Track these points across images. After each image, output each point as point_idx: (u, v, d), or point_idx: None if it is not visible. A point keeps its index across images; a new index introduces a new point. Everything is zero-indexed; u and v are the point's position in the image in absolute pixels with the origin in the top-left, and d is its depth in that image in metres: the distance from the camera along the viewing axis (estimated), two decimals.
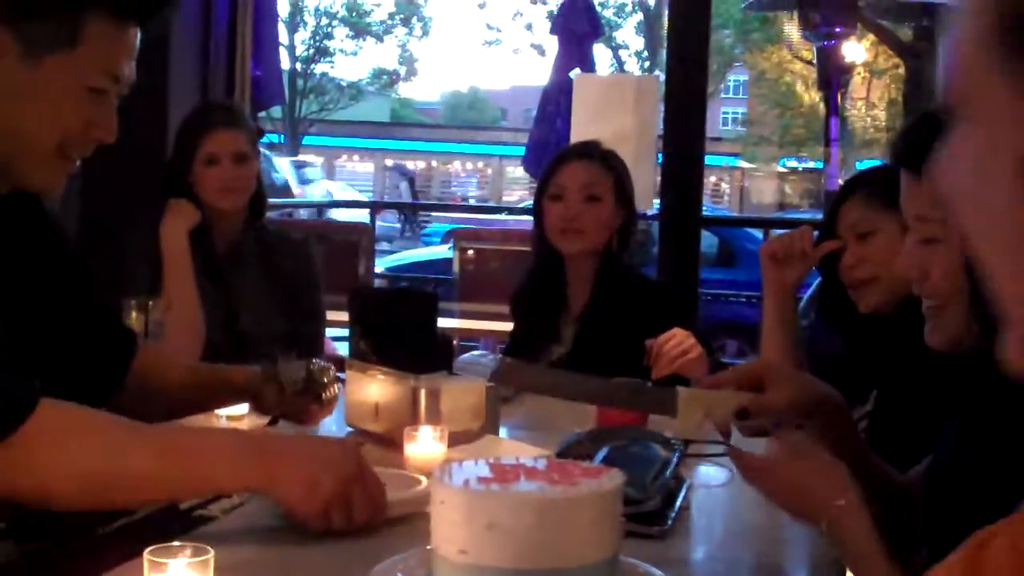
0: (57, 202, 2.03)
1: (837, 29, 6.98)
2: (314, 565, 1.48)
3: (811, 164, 28.30)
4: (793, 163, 29.79)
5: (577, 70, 6.23)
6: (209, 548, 1.24)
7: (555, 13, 7.86)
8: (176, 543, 1.26)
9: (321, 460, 1.54)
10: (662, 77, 5.72)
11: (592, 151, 2.98)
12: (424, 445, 1.89)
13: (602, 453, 1.71)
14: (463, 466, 1.26)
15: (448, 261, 10.28)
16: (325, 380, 2.19)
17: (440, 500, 1.22)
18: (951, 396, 1.55)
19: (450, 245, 13.13)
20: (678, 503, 1.69)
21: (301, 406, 2.17)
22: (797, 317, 2.53)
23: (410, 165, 33.44)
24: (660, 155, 5.23)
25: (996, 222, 0.59)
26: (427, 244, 17.66)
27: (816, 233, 2.41)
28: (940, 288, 1.50)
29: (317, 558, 1.49)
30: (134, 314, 2.60)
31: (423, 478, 1.68)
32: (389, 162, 32.76)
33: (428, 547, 1.27)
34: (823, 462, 1.42)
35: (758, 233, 9.38)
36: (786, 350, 2.45)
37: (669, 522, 1.62)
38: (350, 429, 2.24)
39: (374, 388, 2.16)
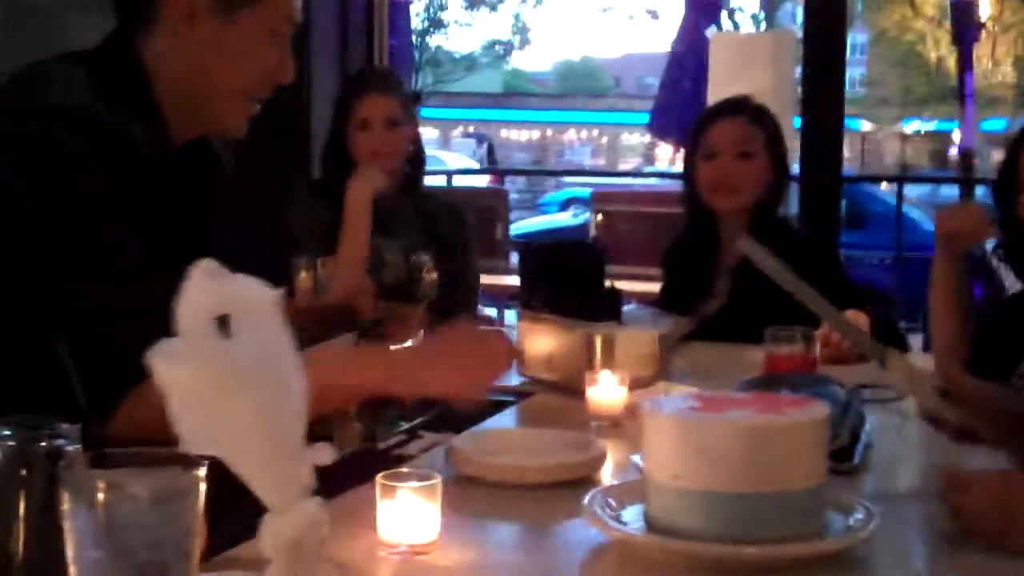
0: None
1: None
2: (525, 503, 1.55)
3: (933, 125, 27.66)
4: (916, 124, 29.15)
5: (713, 28, 6.21)
6: (436, 474, 1.32)
7: None
8: (404, 469, 1.34)
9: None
10: (796, 34, 5.68)
11: (743, 107, 2.99)
12: (606, 389, 1.96)
13: (785, 393, 1.75)
14: (672, 397, 1.33)
15: (571, 227, 10.39)
16: (425, 277, 2.21)
17: (654, 429, 1.28)
18: None
19: (571, 212, 13.22)
20: (863, 440, 1.73)
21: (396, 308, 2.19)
22: (969, 285, 2.46)
23: (524, 136, 33.50)
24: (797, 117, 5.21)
25: None
26: (545, 212, 17.70)
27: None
28: None
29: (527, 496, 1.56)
30: (303, 273, 2.70)
31: (594, 439, 1.74)
32: (504, 133, 32.85)
33: (634, 479, 1.34)
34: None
35: (887, 196, 9.26)
36: (957, 319, 2.40)
37: (858, 458, 1.66)
38: (524, 378, 2.32)
39: (547, 338, 2.23)
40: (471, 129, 33.24)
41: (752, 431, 1.24)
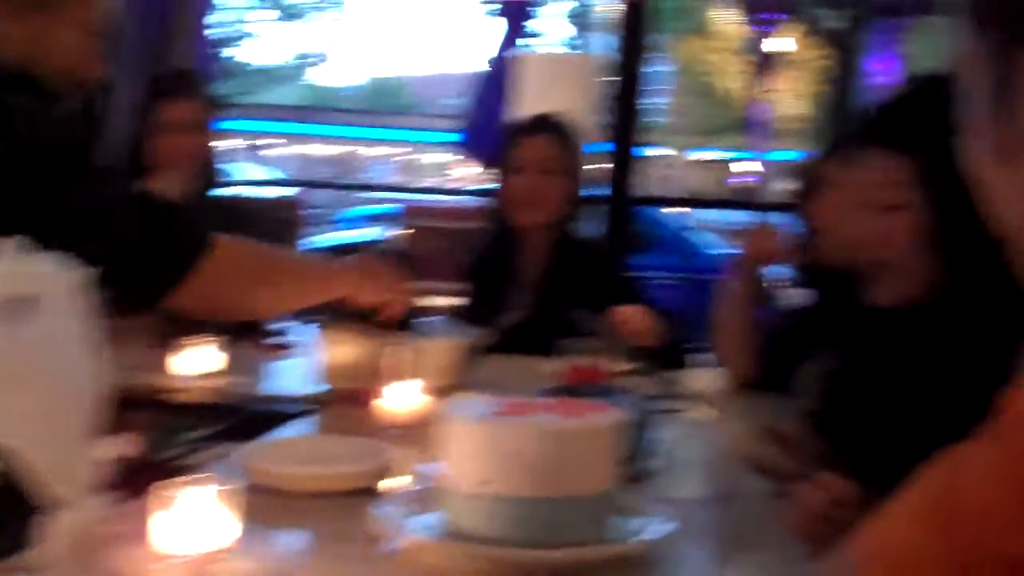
0: None
1: (772, 16, 7.10)
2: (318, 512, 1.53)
3: (728, 153, 28.63)
4: (712, 152, 30.11)
5: (519, 49, 6.28)
6: (219, 482, 1.27)
7: None
8: (184, 478, 1.28)
9: None
10: (600, 58, 5.80)
11: (548, 125, 3.04)
12: (404, 398, 1.94)
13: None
14: (475, 403, 1.33)
15: (373, 243, 10.30)
16: None
17: (458, 434, 1.27)
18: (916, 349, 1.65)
19: (375, 227, 13.11)
20: (652, 450, 1.76)
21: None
22: (756, 304, 2.58)
23: (330, 150, 33.18)
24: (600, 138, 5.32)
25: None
26: (347, 228, 17.54)
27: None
28: (901, 249, 1.61)
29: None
30: None
31: (388, 446, 1.73)
32: (309, 147, 32.52)
33: (429, 486, 1.32)
34: None
35: (677, 219, 9.54)
36: (747, 336, 2.51)
37: (647, 467, 1.69)
38: (322, 388, 2.29)
39: (350, 347, 2.21)
40: (276, 142, 32.77)
41: (561, 433, 1.25)
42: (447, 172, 28.88)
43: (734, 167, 23.60)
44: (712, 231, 11.82)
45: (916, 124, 1.56)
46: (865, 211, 1.67)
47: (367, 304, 2.14)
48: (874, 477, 1.44)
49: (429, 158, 32.24)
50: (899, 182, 1.60)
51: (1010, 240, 0.64)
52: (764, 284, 2.62)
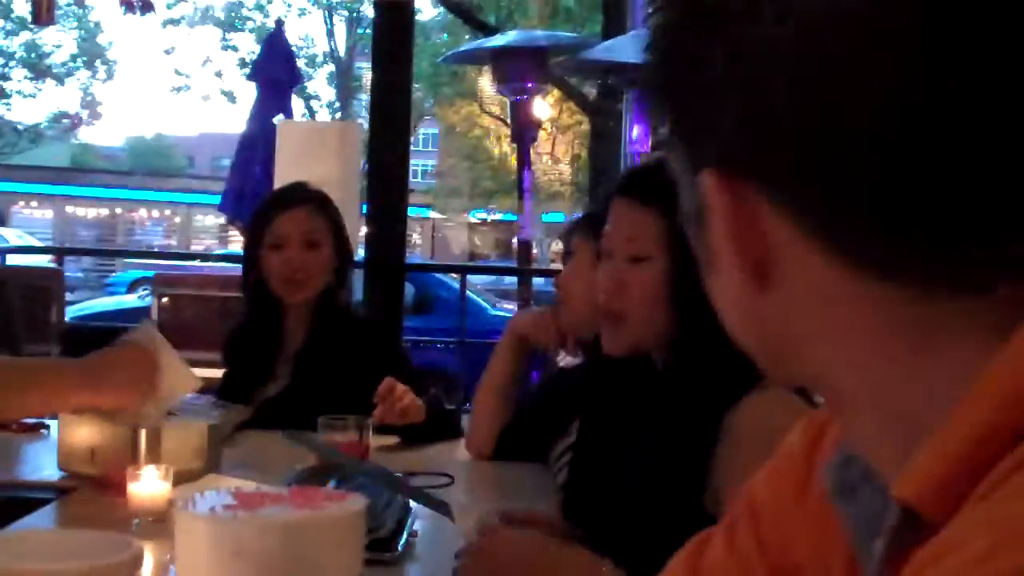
0: None
1: (529, 85, 7.28)
2: None
3: (499, 216, 29.12)
4: (483, 214, 30.55)
5: (281, 116, 6.24)
6: None
7: (253, 60, 7.81)
8: None
9: None
10: (363, 125, 5.82)
11: (307, 195, 2.99)
12: (148, 484, 1.87)
13: (331, 485, 1.75)
14: (206, 495, 1.28)
15: (136, 310, 10.04)
16: None
17: (186, 529, 1.23)
18: (644, 413, 1.69)
19: (138, 293, 12.79)
20: (407, 529, 1.74)
21: None
22: (522, 376, 2.63)
23: (93, 213, 32.15)
24: (364, 204, 5.32)
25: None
26: (112, 294, 17.05)
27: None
28: (635, 300, 1.66)
29: None
30: None
31: (133, 539, 1.66)
32: (70, 209, 31.44)
33: None
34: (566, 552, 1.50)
35: (453, 282, 9.61)
36: (506, 392, 2.55)
37: (400, 548, 1.67)
38: (64, 473, 2.18)
39: (90, 430, 2.11)
40: (34, 203, 31.56)
41: (288, 527, 1.21)
42: (225, 235, 28.38)
43: (513, 228, 24.07)
44: (490, 294, 11.98)
45: (665, 183, 1.60)
46: (607, 261, 1.70)
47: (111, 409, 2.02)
48: (621, 556, 1.47)
49: (203, 220, 31.60)
50: (642, 236, 1.65)
51: (731, 335, 0.67)
52: (543, 353, 2.68)
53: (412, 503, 1.86)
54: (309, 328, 2.90)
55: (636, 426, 1.73)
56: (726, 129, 0.58)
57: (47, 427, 2.70)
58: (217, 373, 3.16)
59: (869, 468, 0.66)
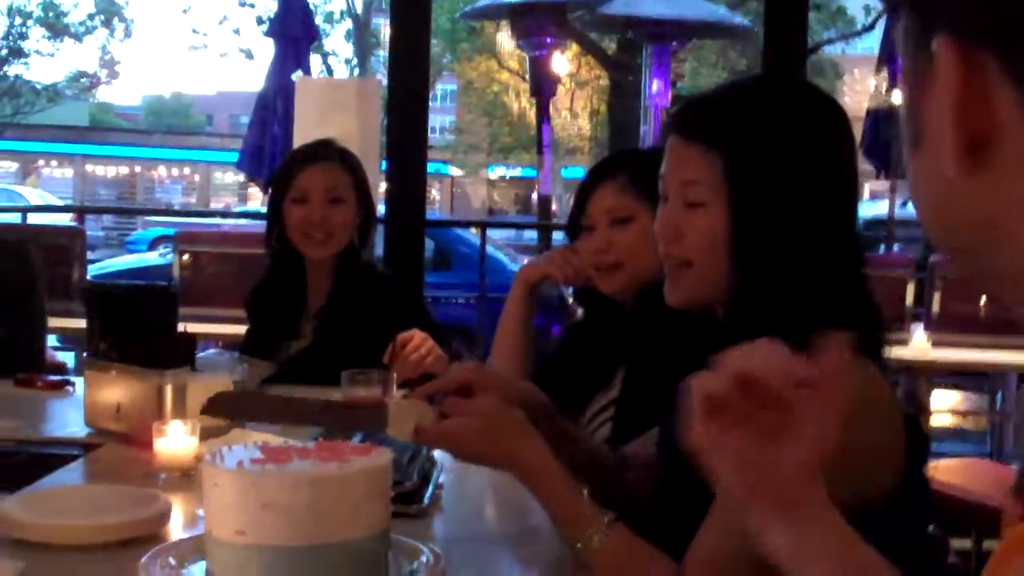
0: None
1: (548, 40, 7.25)
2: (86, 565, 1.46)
3: (518, 171, 29.05)
4: (501, 170, 30.49)
5: (299, 73, 6.21)
6: None
7: (271, 17, 7.79)
8: None
9: None
10: (382, 81, 5.79)
11: (331, 152, 2.98)
12: (175, 440, 1.88)
13: (356, 439, 1.75)
14: (234, 449, 1.29)
15: (157, 267, 10.08)
16: None
17: (214, 483, 1.24)
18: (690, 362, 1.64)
19: (159, 251, 12.83)
20: (433, 483, 1.75)
21: None
22: (533, 321, 2.61)
23: (112, 172, 32.24)
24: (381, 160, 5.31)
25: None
26: (132, 252, 17.11)
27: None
28: (695, 247, 1.53)
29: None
30: None
31: (160, 493, 1.68)
32: (90, 168, 31.53)
33: (199, 534, 1.28)
34: (496, 424, 1.52)
35: (472, 238, 9.60)
36: (521, 342, 2.54)
37: (427, 500, 1.68)
38: (90, 429, 2.20)
39: (116, 386, 2.13)
40: (54, 163, 31.66)
41: (315, 480, 1.22)
42: (244, 192, 28.40)
43: (532, 184, 23.99)
44: (509, 248, 11.96)
45: (724, 119, 1.52)
46: (663, 205, 1.58)
47: None
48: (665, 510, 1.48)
49: (222, 178, 31.63)
50: (698, 179, 1.52)
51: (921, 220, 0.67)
52: (558, 301, 2.64)
53: (435, 455, 1.87)
54: (332, 284, 2.90)
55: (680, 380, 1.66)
56: None
57: (72, 384, 2.72)
58: (240, 329, 3.17)
59: None
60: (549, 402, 1.75)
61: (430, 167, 5.20)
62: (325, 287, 2.91)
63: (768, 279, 1.45)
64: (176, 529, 1.62)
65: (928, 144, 0.62)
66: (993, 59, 0.57)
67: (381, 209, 5.04)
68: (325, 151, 2.99)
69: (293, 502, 1.20)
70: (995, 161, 0.58)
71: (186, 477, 1.87)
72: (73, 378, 2.81)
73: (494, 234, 11.82)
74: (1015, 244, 0.59)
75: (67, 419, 2.38)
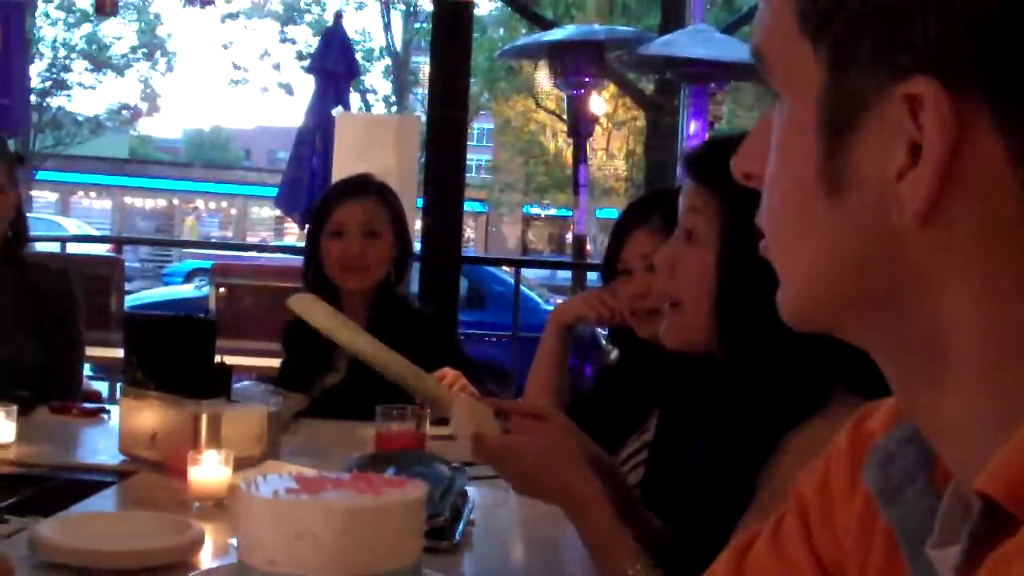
0: None
1: (587, 80, 7.30)
2: None
3: (553, 211, 29.10)
4: (537, 209, 30.55)
5: (340, 108, 6.27)
6: None
7: (311, 53, 7.86)
8: None
9: None
10: (421, 118, 5.84)
11: (369, 187, 3.01)
12: (209, 469, 1.89)
13: (390, 472, 1.75)
14: (269, 479, 1.29)
15: (193, 299, 10.15)
16: None
17: (248, 511, 1.24)
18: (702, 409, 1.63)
19: (195, 284, 12.92)
20: (464, 518, 1.75)
21: None
22: (567, 362, 2.61)
23: (150, 204, 32.53)
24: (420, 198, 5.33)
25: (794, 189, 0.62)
26: (168, 284, 17.23)
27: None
28: (684, 285, 1.54)
29: None
30: None
31: (193, 522, 1.68)
32: (128, 200, 31.84)
33: (232, 563, 1.28)
34: (560, 449, 1.51)
35: (507, 276, 9.62)
36: (555, 382, 2.54)
37: (458, 536, 1.68)
38: (124, 457, 2.21)
39: (152, 414, 2.14)
40: (93, 194, 31.99)
41: (349, 512, 1.22)
42: (280, 227, 28.58)
43: (567, 224, 24.03)
44: (543, 288, 11.97)
45: (723, 163, 1.52)
46: (668, 239, 1.59)
47: None
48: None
49: (259, 212, 31.84)
50: (699, 211, 1.53)
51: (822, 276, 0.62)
52: (590, 340, 2.63)
53: (468, 490, 1.86)
54: (367, 318, 2.91)
55: (702, 423, 1.67)
56: (955, 30, 0.53)
57: (107, 412, 2.74)
58: (274, 362, 3.18)
59: (914, 467, 0.64)
60: (610, 461, 1.75)
61: (466, 205, 5.23)
62: (361, 321, 2.91)
63: (749, 325, 1.43)
64: (208, 558, 1.62)
65: (859, 193, 0.56)
66: (985, 110, 0.52)
67: (417, 246, 5.07)
68: (363, 186, 3.02)
69: (327, 533, 1.20)
70: (950, 217, 0.54)
71: (219, 506, 1.87)
72: (108, 406, 2.83)
73: (528, 274, 11.84)
74: (944, 298, 0.55)
75: (101, 447, 2.40)
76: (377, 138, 5.18)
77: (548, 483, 1.50)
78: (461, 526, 1.72)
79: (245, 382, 2.69)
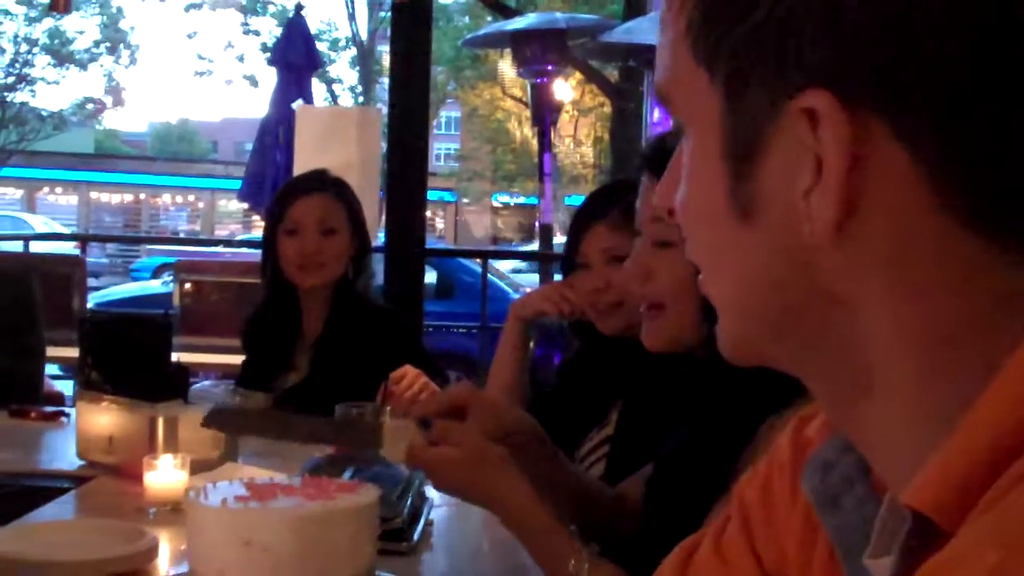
0: None
1: (549, 67, 7.27)
2: None
3: (522, 199, 29.07)
4: (505, 198, 30.53)
5: (300, 101, 6.22)
6: None
7: (273, 45, 7.81)
8: None
9: None
10: (383, 110, 5.80)
11: (325, 183, 2.98)
12: (165, 474, 1.87)
13: (347, 474, 1.74)
14: (219, 486, 1.28)
15: (160, 296, 10.08)
16: None
17: (197, 520, 1.23)
18: (681, 400, 1.63)
19: (163, 279, 12.85)
20: (423, 520, 1.74)
21: None
22: (529, 347, 2.60)
23: (117, 199, 32.30)
24: (382, 189, 5.31)
25: (707, 220, 0.62)
26: (136, 279, 17.13)
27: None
28: (665, 289, 1.54)
29: None
30: None
31: (147, 529, 1.66)
32: (95, 195, 31.61)
33: (185, 571, 1.27)
34: (483, 459, 1.49)
35: (475, 266, 9.61)
36: (515, 377, 2.53)
37: (416, 537, 1.67)
38: (82, 462, 2.19)
39: (107, 418, 2.12)
40: (59, 190, 31.74)
41: (299, 519, 1.21)
42: (249, 220, 28.45)
43: (535, 213, 24.06)
44: (513, 278, 11.96)
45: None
46: (637, 243, 1.58)
47: None
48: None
49: (227, 206, 31.66)
50: (666, 218, 1.51)
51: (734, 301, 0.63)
52: (558, 330, 2.61)
53: (427, 491, 1.85)
54: (326, 316, 2.89)
55: (675, 417, 1.66)
56: (844, 42, 0.52)
57: (67, 415, 2.71)
58: (240, 359, 3.16)
59: (852, 474, 0.64)
60: (541, 429, 1.74)
61: (434, 195, 5.21)
62: (320, 318, 2.90)
63: None
64: (164, 565, 1.61)
65: (770, 214, 0.56)
66: (883, 120, 0.52)
67: (381, 238, 5.05)
68: (318, 182, 2.99)
69: (276, 541, 1.19)
70: (861, 231, 0.53)
71: (176, 511, 1.85)
72: (69, 409, 2.80)
73: (498, 262, 11.81)
74: (859, 317, 0.55)
75: (60, 451, 2.37)
76: (338, 131, 5.14)
77: (477, 493, 1.50)
78: (420, 527, 1.71)
79: (205, 382, 2.68)
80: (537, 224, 9.78)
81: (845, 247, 0.54)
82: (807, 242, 0.55)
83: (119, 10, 29.15)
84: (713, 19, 0.57)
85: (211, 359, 4.54)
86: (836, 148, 0.52)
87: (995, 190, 0.51)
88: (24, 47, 27.04)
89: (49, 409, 2.78)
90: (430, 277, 9.47)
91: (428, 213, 5.86)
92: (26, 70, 27.09)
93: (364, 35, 27.23)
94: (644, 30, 6.79)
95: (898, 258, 0.53)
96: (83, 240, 11.83)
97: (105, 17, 28.80)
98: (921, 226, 0.52)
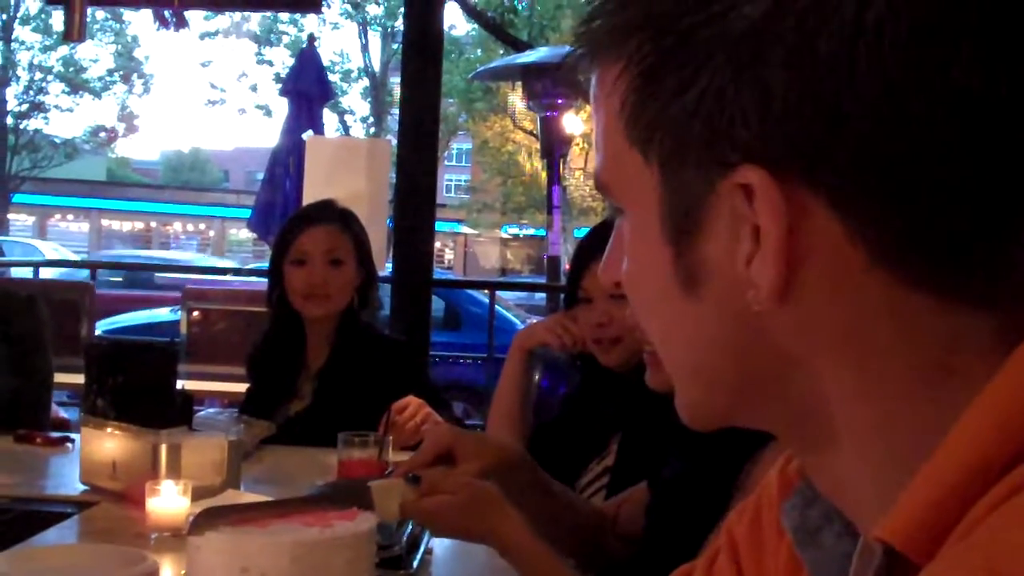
0: None
1: (559, 101, 7.32)
2: None
3: (532, 231, 29.11)
4: (515, 230, 30.58)
5: (310, 132, 6.26)
6: None
7: (285, 75, 7.86)
8: None
9: None
10: (393, 141, 5.84)
11: (332, 214, 3.00)
12: (167, 500, 1.88)
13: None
14: (217, 511, 1.29)
15: (168, 323, 10.11)
16: None
17: (196, 545, 1.24)
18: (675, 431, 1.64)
19: (171, 308, 12.87)
20: (422, 548, 1.75)
21: None
22: (533, 377, 2.61)
23: (128, 226, 32.44)
24: (390, 219, 5.33)
25: (651, 296, 0.63)
26: (147, 307, 17.14)
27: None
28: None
29: None
30: None
31: (148, 554, 1.67)
32: (106, 222, 31.76)
33: None
34: (470, 493, 1.52)
35: (483, 297, 9.63)
36: (517, 406, 2.54)
37: (415, 565, 1.67)
38: (86, 487, 2.20)
39: (112, 444, 2.13)
40: (70, 216, 31.89)
41: (296, 545, 1.22)
42: (260, 249, 28.51)
43: (545, 245, 24.02)
44: (520, 309, 11.96)
45: None
46: None
47: None
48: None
49: (237, 234, 31.77)
50: None
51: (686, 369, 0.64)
52: (564, 362, 2.62)
53: None
54: (331, 346, 2.91)
55: (673, 444, 1.67)
56: (774, 121, 0.53)
57: (72, 441, 2.72)
58: (243, 388, 3.17)
59: (832, 510, 0.64)
60: (529, 457, 1.75)
61: (444, 225, 5.24)
62: (325, 348, 2.92)
63: None
64: None
65: (715, 284, 0.57)
66: (816, 192, 0.53)
67: (389, 268, 5.07)
68: (325, 213, 3.01)
69: (273, 568, 1.20)
70: (804, 294, 0.55)
71: (177, 537, 1.86)
72: (74, 435, 2.81)
73: (505, 294, 11.83)
74: (814, 377, 0.56)
75: (65, 476, 2.38)
76: (348, 162, 5.17)
77: (476, 534, 1.53)
78: (419, 555, 1.72)
79: (210, 409, 2.69)
80: (545, 256, 9.80)
81: (792, 309, 0.55)
82: (754, 308, 0.56)
83: (134, 39, 29.34)
84: (646, 98, 0.58)
85: (216, 387, 4.56)
86: (772, 218, 0.54)
87: (930, 249, 0.53)
88: (38, 75, 27.23)
89: (55, 435, 2.80)
90: (438, 308, 9.49)
91: (438, 244, 5.89)
92: (40, 97, 27.25)
93: (377, 66, 27.35)
94: None
95: (844, 318, 0.55)
96: (93, 267, 11.85)
97: (120, 46, 28.99)
98: (862, 285, 0.54)
